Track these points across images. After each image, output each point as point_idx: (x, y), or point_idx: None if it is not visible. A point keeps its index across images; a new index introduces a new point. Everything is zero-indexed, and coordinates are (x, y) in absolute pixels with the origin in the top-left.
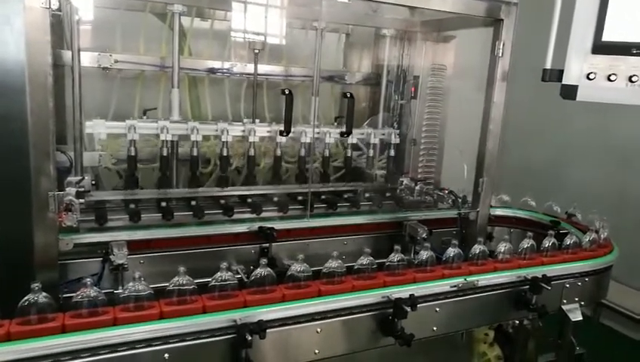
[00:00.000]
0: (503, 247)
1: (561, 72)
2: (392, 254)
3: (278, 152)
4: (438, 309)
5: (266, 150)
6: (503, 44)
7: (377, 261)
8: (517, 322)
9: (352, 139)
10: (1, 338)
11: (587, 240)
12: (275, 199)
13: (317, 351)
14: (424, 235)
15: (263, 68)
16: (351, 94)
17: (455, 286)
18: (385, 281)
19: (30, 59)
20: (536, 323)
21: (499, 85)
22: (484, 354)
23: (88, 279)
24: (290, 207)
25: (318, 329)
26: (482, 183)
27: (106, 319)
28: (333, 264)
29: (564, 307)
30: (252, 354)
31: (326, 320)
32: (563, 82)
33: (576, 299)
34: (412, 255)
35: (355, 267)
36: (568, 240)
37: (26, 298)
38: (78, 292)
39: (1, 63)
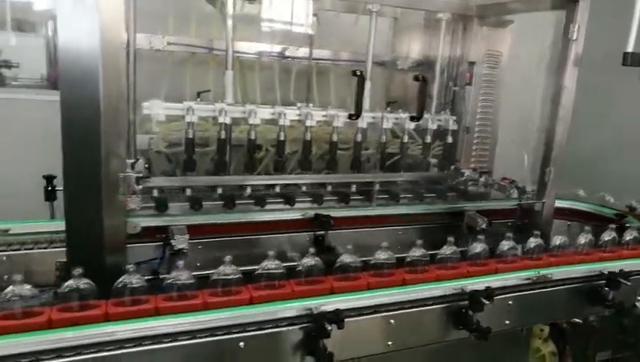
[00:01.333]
0: (583, 239)
1: None
2: (473, 244)
3: (335, 138)
4: (511, 302)
5: (316, 136)
6: (578, 27)
7: (432, 252)
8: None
9: (409, 125)
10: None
11: None
12: (329, 188)
13: (390, 343)
14: (483, 226)
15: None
16: (423, 77)
17: (529, 278)
18: (468, 271)
19: (104, 40)
20: (603, 321)
21: (570, 70)
22: (539, 349)
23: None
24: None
25: (392, 321)
26: (549, 173)
27: (196, 303)
28: (416, 253)
29: (638, 304)
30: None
31: (401, 311)
32: None
33: None
34: (469, 246)
35: (408, 258)
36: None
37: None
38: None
39: (75, 45)
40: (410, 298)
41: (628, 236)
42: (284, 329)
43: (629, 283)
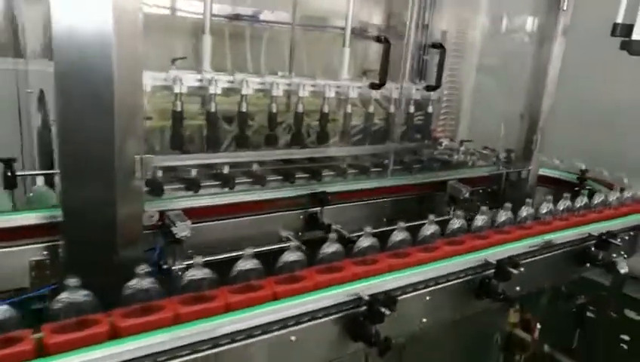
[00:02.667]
0: (563, 205)
1: (631, 26)
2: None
3: (326, 109)
4: (522, 269)
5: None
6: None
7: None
8: None
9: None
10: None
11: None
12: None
13: (424, 320)
14: (466, 194)
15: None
16: (386, 39)
17: (535, 246)
18: (490, 242)
19: (117, 5)
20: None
21: (559, 40)
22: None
23: None
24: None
25: (427, 298)
26: (536, 141)
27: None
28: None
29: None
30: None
31: (435, 287)
32: (633, 37)
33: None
34: (451, 214)
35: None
36: (598, 198)
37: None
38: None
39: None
40: (448, 271)
41: (597, 199)
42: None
43: (619, 243)
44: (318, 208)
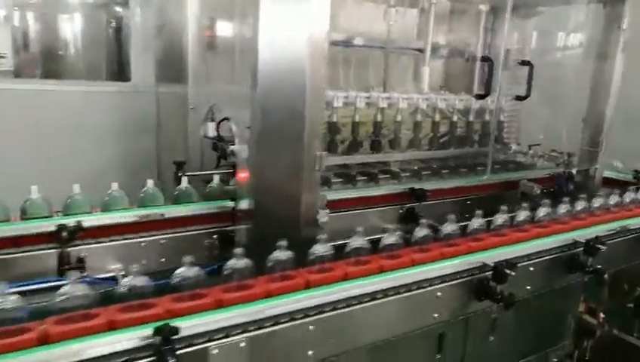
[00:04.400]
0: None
1: None
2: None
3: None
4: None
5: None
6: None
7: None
8: None
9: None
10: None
11: None
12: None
13: (529, 287)
14: (537, 191)
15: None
16: (489, 58)
17: (613, 230)
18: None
19: (312, 33)
20: None
21: (619, 57)
22: None
23: None
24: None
25: (531, 268)
26: (601, 143)
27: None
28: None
29: None
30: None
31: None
32: None
33: None
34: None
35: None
36: None
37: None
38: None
39: (288, 37)
40: (539, 249)
41: None
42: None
43: None
44: (416, 203)
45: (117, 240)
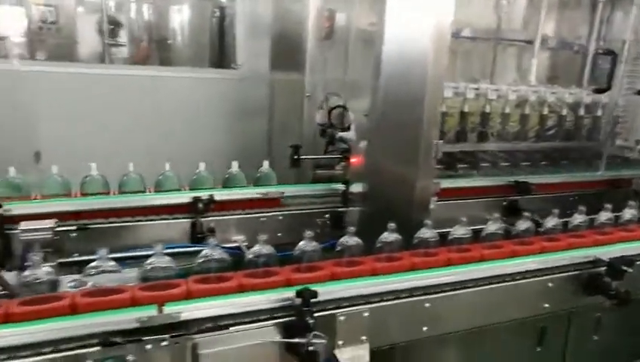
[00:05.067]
0: None
1: None
2: None
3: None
4: None
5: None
6: None
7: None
8: None
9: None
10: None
11: None
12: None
13: None
14: None
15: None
16: (613, 51)
17: None
18: None
19: (437, 23)
20: None
21: None
22: None
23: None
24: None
25: None
26: None
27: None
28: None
29: None
30: None
31: None
32: None
33: None
34: None
35: None
36: None
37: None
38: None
39: (413, 27)
40: None
41: None
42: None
43: None
44: (520, 196)
45: (240, 214)
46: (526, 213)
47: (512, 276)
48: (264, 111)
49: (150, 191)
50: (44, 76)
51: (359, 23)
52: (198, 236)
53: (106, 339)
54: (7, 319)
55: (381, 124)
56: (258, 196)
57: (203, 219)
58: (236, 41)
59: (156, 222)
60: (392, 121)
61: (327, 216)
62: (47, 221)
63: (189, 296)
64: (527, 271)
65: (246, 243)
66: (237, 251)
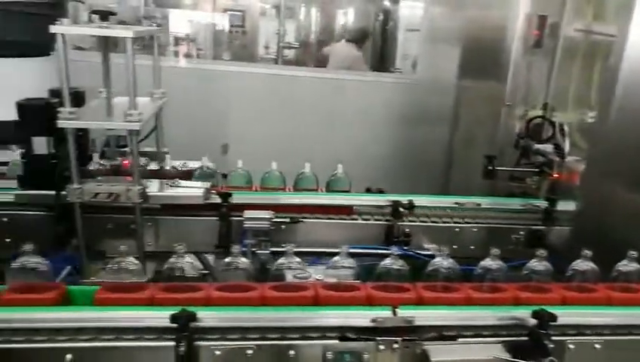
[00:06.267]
0: None
1: None
2: None
3: None
4: None
5: None
6: None
7: None
8: None
9: None
10: None
11: None
12: None
13: None
14: None
15: None
16: None
17: None
18: None
19: None
20: None
21: None
22: None
23: None
24: None
25: None
26: None
27: None
28: None
29: None
30: None
31: None
32: None
33: None
34: None
35: None
36: None
37: None
38: None
39: None
40: None
41: None
42: None
43: None
44: None
45: (435, 223)
46: None
47: None
48: (444, 119)
49: (321, 191)
50: (230, 75)
51: (568, 30)
52: (393, 240)
53: (343, 334)
54: (264, 302)
55: (612, 141)
56: (453, 205)
57: (400, 223)
58: (397, 44)
59: (356, 222)
60: (629, 139)
61: (522, 233)
62: (266, 211)
63: (419, 302)
64: None
65: (443, 252)
66: (430, 258)
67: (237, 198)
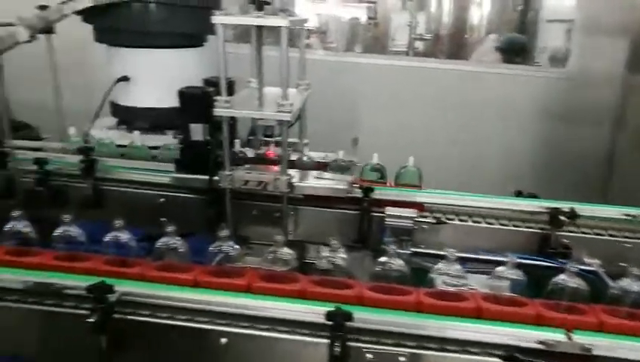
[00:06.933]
0: None
1: None
2: None
3: None
4: None
5: None
6: None
7: None
8: None
9: None
10: None
11: None
12: None
13: None
14: None
15: None
16: None
17: None
18: None
19: None
20: None
21: None
22: None
23: None
24: None
25: None
26: None
27: None
28: None
29: None
30: None
31: None
32: None
33: None
34: None
35: None
36: None
37: None
38: None
39: None
40: None
41: None
42: None
43: None
44: None
45: (599, 235)
46: None
47: None
48: (604, 117)
49: None
50: (361, 67)
51: None
52: (550, 251)
53: (509, 354)
54: (419, 308)
55: None
56: (622, 217)
57: (559, 233)
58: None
59: (504, 228)
60: None
61: None
62: (410, 210)
63: (598, 328)
64: None
65: (603, 269)
66: (593, 276)
67: (377, 194)
